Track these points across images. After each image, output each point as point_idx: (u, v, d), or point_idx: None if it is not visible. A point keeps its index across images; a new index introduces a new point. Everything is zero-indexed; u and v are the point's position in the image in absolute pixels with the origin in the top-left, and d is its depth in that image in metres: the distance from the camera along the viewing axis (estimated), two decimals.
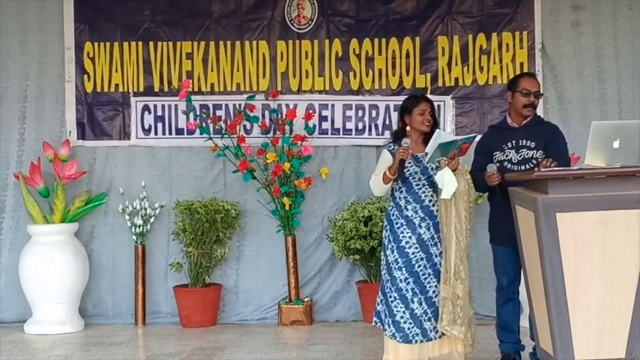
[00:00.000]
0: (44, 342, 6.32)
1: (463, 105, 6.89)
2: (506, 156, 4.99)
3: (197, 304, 6.73)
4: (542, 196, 4.17)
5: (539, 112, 6.74)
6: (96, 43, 6.96)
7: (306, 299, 6.81)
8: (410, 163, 5.02)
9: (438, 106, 6.84)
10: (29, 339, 6.47)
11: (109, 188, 6.96)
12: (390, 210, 5.11)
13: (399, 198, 5.07)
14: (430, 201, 5.03)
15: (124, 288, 6.94)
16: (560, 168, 4.51)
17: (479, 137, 5.31)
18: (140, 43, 6.97)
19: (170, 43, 6.97)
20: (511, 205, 4.66)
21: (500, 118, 6.57)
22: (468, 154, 5.01)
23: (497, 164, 4.93)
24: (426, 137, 5.02)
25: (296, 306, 6.73)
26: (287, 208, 6.73)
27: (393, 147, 5.10)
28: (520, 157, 4.97)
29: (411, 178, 5.04)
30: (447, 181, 4.84)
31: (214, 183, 6.97)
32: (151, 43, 6.97)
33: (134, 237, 6.80)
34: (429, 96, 6.72)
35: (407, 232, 5.02)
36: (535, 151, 4.96)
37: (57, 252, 6.58)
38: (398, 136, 5.14)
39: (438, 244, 5.00)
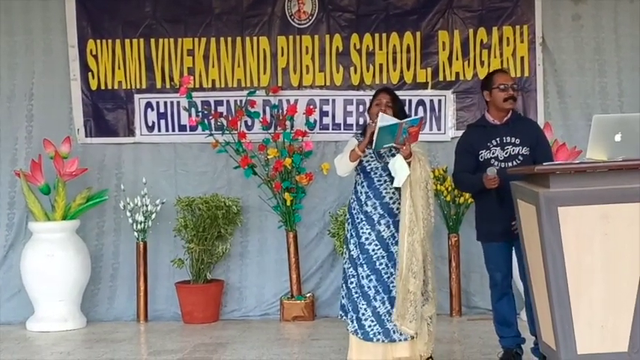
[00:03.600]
0: (46, 339, 6.34)
1: (464, 99, 6.88)
2: (492, 153, 4.97)
3: (199, 300, 6.74)
4: (544, 190, 4.16)
5: (540, 106, 6.79)
6: (98, 41, 6.98)
7: (308, 295, 6.82)
8: (372, 157, 4.95)
9: (439, 100, 6.87)
10: (31, 336, 6.48)
11: (118, 185, 6.97)
12: (352, 203, 5.03)
13: (360, 192, 4.98)
14: (391, 198, 4.93)
15: (126, 284, 6.95)
16: (562, 162, 4.51)
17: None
18: (142, 40, 6.98)
19: (171, 40, 6.97)
20: (513, 199, 4.66)
21: None
22: (449, 154, 4.94)
23: (497, 167, 4.90)
24: None
25: (298, 301, 6.74)
26: (288, 203, 6.74)
27: (360, 137, 5.00)
28: (506, 153, 4.96)
29: (372, 173, 4.95)
30: (398, 168, 4.75)
31: (218, 179, 6.99)
32: (153, 40, 6.98)
33: (136, 234, 6.81)
34: (429, 90, 6.84)
35: (366, 228, 4.93)
36: (520, 147, 4.96)
37: (58, 249, 6.59)
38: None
39: None
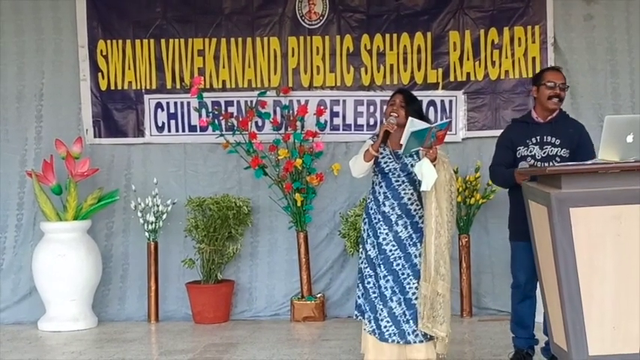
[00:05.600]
0: (57, 339, 6.35)
1: (475, 100, 6.87)
2: (530, 151, 4.91)
3: (209, 300, 6.74)
4: (555, 191, 4.15)
5: None
6: (109, 41, 6.99)
7: (319, 295, 6.82)
8: (390, 158, 4.94)
9: (450, 101, 6.85)
10: (43, 336, 6.50)
11: (127, 185, 6.98)
12: (369, 203, 5.02)
13: (378, 192, 4.97)
14: (409, 199, 4.92)
15: (136, 285, 6.97)
16: (574, 163, 4.49)
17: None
18: (152, 40, 6.99)
19: (182, 40, 6.98)
20: (524, 200, 4.64)
21: (512, 113, 6.56)
22: (486, 149, 4.91)
23: (531, 163, 4.84)
24: None
25: (308, 302, 6.74)
26: (299, 204, 6.73)
27: (377, 138, 4.98)
28: (544, 153, 4.89)
29: (390, 174, 4.94)
30: (426, 172, 4.71)
31: (229, 179, 6.99)
32: (163, 41, 6.98)
33: (147, 234, 6.82)
34: (440, 91, 6.83)
35: (384, 229, 4.91)
36: (560, 149, 4.88)
37: (70, 249, 6.61)
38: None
39: (418, 244, 4.86)
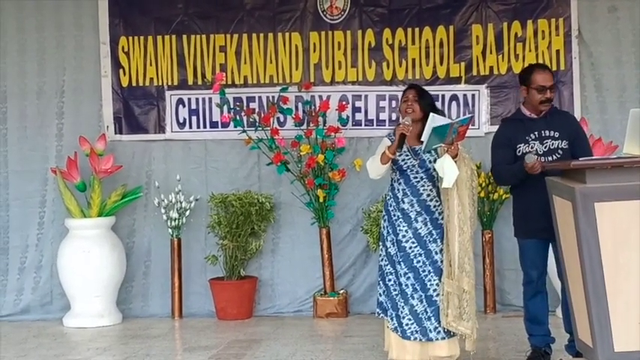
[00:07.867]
0: (83, 335, 6.39)
1: (498, 94, 6.81)
2: (531, 147, 4.88)
3: (233, 296, 6.75)
4: (580, 185, 4.11)
5: (576, 100, 6.71)
6: (130, 38, 7.00)
7: (342, 291, 6.80)
8: (408, 155, 4.92)
9: (473, 95, 6.80)
10: (68, 332, 6.54)
11: (148, 182, 7.00)
12: (388, 200, 5.01)
13: (397, 190, 4.96)
14: (428, 195, 4.91)
15: (161, 281, 6.98)
16: (599, 157, 4.45)
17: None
18: (174, 36, 6.99)
19: (203, 36, 6.98)
20: (548, 195, 4.60)
21: None
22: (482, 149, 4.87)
23: (535, 153, 4.81)
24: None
25: (331, 298, 6.73)
26: (321, 200, 6.72)
27: (393, 137, 4.98)
28: (545, 147, 4.87)
29: (408, 170, 4.92)
30: (448, 168, 4.67)
31: (249, 176, 6.98)
32: (185, 37, 6.98)
33: (170, 230, 6.84)
34: (463, 85, 6.78)
35: (403, 226, 4.90)
36: (560, 141, 4.87)
37: (94, 245, 6.64)
38: None
39: (438, 240, 4.85)
